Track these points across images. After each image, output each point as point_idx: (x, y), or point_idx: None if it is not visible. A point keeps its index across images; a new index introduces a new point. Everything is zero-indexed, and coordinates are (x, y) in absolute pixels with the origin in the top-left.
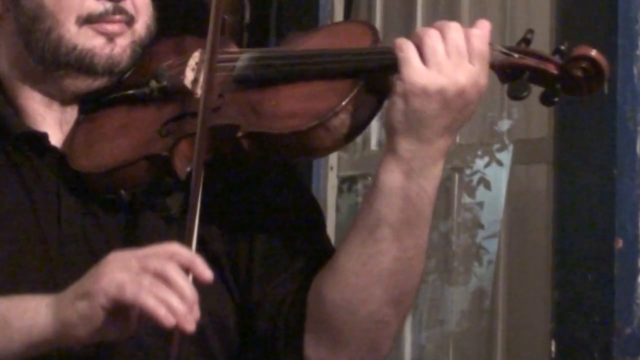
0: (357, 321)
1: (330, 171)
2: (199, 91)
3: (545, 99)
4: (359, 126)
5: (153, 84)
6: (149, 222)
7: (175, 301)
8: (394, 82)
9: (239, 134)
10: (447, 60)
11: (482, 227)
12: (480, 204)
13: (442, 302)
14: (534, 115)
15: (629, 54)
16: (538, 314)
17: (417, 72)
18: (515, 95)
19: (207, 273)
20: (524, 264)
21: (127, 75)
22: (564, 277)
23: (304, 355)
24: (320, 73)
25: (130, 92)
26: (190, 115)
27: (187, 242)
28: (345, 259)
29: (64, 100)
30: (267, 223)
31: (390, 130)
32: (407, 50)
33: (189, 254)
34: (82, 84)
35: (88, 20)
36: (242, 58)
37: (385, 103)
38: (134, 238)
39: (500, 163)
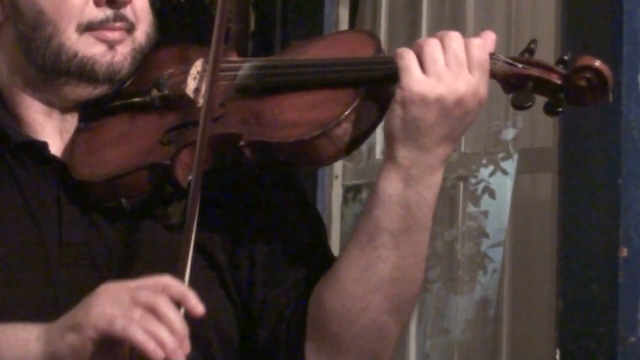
0: (357, 329)
1: (335, 180)
2: (200, 100)
3: (549, 109)
4: (361, 135)
5: (154, 92)
6: (150, 231)
7: (164, 335)
8: (395, 92)
9: (241, 143)
10: (446, 69)
11: (486, 236)
12: (485, 213)
13: (446, 311)
14: (539, 124)
15: (633, 63)
16: (542, 323)
17: (416, 80)
18: (519, 105)
19: (198, 307)
20: (528, 272)
21: (128, 83)
22: (569, 286)
23: None
24: (322, 82)
25: (132, 100)
26: (192, 124)
27: (179, 273)
28: (345, 266)
29: (64, 108)
30: (268, 231)
31: (389, 138)
32: (407, 58)
33: (180, 287)
34: (83, 91)
35: (89, 27)
36: (244, 67)
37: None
38: (135, 247)
39: (505, 172)
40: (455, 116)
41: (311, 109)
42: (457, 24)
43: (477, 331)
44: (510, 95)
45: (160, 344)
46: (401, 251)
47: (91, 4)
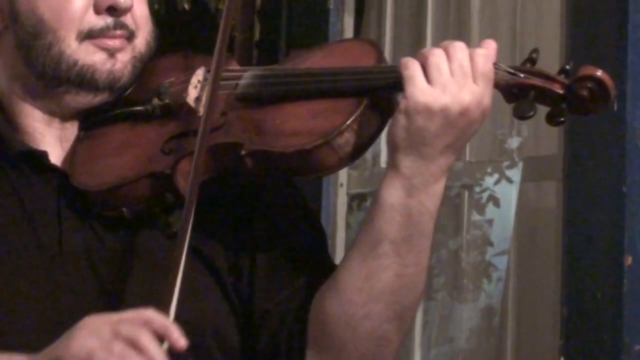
0: (358, 337)
1: (340, 188)
2: (201, 109)
3: (551, 119)
4: (363, 145)
5: (155, 101)
6: (151, 240)
7: None
8: (398, 101)
9: (242, 152)
10: (451, 79)
11: (491, 244)
12: (490, 222)
13: (451, 319)
14: (544, 133)
15: (638, 71)
16: (547, 331)
17: (421, 90)
18: (521, 115)
19: (181, 341)
20: (533, 281)
21: (128, 91)
22: (573, 294)
23: None
24: (324, 91)
25: (132, 109)
26: (193, 133)
27: (165, 304)
28: (346, 274)
29: (64, 116)
30: (269, 239)
31: (392, 147)
32: (412, 68)
33: (163, 320)
34: (83, 100)
35: (89, 35)
36: (246, 76)
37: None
38: (135, 255)
39: (509, 180)
40: (459, 126)
41: (313, 118)
42: (462, 34)
43: (482, 340)
44: (512, 105)
45: None
46: (403, 260)
47: (91, 11)
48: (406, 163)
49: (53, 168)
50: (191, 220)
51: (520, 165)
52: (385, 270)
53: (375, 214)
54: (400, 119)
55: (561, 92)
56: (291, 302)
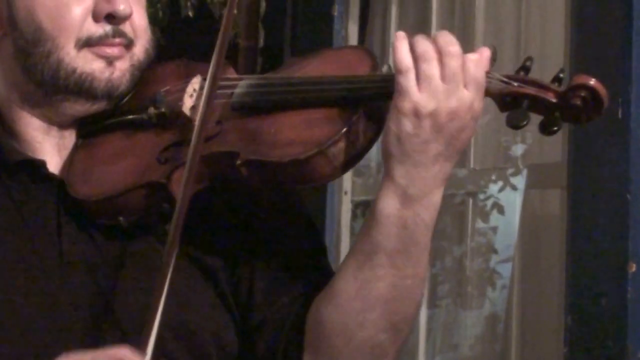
0: (353, 345)
1: (345, 196)
2: (197, 118)
3: (544, 128)
4: (358, 153)
5: (151, 110)
6: (149, 249)
7: None
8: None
9: (238, 161)
10: (441, 85)
11: (495, 251)
12: (494, 229)
13: (455, 327)
14: (548, 140)
15: None
16: (551, 338)
17: (410, 95)
18: (515, 124)
19: None
20: (537, 288)
21: (126, 99)
22: (577, 302)
23: None
24: (318, 100)
25: (129, 117)
26: (189, 142)
27: (143, 341)
28: (342, 282)
29: (62, 124)
30: (267, 246)
31: (386, 156)
32: (404, 76)
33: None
34: (81, 108)
35: (87, 43)
36: (241, 85)
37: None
38: (134, 265)
39: (514, 188)
40: (450, 132)
41: (307, 128)
42: (467, 40)
43: (486, 347)
44: (505, 114)
45: None
46: (398, 271)
47: (90, 19)
48: (400, 172)
49: (51, 177)
50: (179, 235)
51: (525, 172)
52: (381, 280)
53: (371, 224)
54: (392, 126)
55: (554, 100)
56: (289, 309)
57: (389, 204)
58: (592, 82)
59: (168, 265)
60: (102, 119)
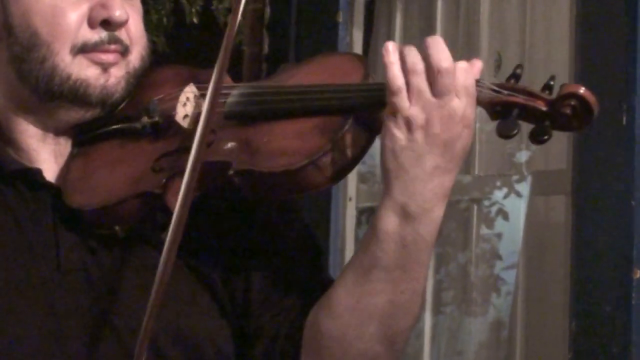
0: (350, 356)
1: (349, 202)
2: (190, 126)
3: (534, 137)
4: (350, 163)
5: (145, 119)
6: (145, 257)
7: None
8: (383, 119)
9: (230, 171)
10: (432, 98)
11: (500, 258)
12: (499, 235)
13: (460, 333)
14: (553, 147)
15: None
16: (556, 345)
17: (402, 111)
18: (505, 134)
19: None
20: (542, 295)
21: (121, 106)
22: (582, 308)
23: None
24: (310, 110)
25: (123, 126)
26: (184, 151)
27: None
28: (340, 294)
29: (58, 131)
30: (264, 254)
31: (384, 173)
32: (395, 90)
33: None
34: (76, 114)
35: (83, 49)
36: (233, 94)
37: (377, 139)
38: (132, 273)
39: (518, 194)
40: (444, 142)
41: (299, 137)
42: (471, 47)
43: (491, 353)
44: (496, 123)
45: None
46: (396, 286)
47: (85, 25)
48: (398, 188)
49: (48, 185)
50: (176, 244)
51: (529, 179)
52: (379, 294)
53: (370, 239)
54: (386, 142)
55: (544, 109)
56: (286, 317)
57: (388, 221)
58: (582, 90)
59: (165, 274)
60: (98, 127)
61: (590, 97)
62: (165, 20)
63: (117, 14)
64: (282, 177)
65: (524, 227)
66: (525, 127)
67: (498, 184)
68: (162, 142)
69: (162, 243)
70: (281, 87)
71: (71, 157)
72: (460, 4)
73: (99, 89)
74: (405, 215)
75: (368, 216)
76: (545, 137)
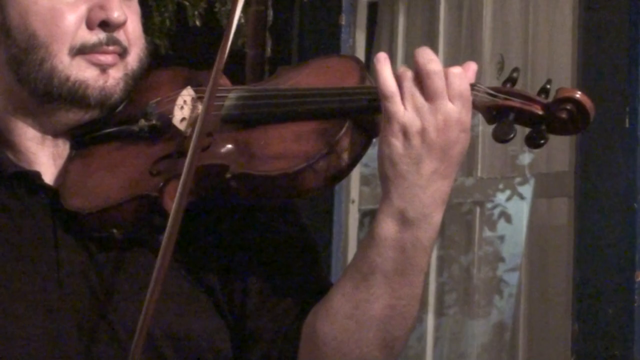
0: None
1: (352, 205)
2: (187, 129)
3: (531, 141)
4: (347, 166)
5: (142, 122)
6: (142, 260)
7: None
8: (380, 122)
9: (227, 175)
10: (425, 103)
11: (503, 260)
12: (501, 238)
13: (463, 335)
14: (555, 149)
15: None
16: (559, 347)
17: (397, 117)
18: (501, 137)
19: None
20: (544, 297)
21: (120, 108)
22: (585, 310)
23: None
24: (307, 113)
25: (121, 129)
26: (181, 154)
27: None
28: (338, 299)
29: (56, 133)
30: (262, 256)
31: (382, 179)
32: (390, 98)
33: None
34: (75, 116)
35: (81, 50)
36: (230, 97)
37: (374, 141)
38: (129, 274)
39: (521, 196)
40: (440, 148)
41: (296, 141)
42: (474, 50)
43: (493, 356)
44: (492, 127)
45: None
46: (395, 292)
47: (84, 26)
48: (397, 194)
49: (47, 187)
50: (172, 247)
51: (532, 181)
52: (377, 300)
53: (369, 245)
54: (383, 149)
55: (540, 112)
56: (283, 320)
57: (387, 227)
58: (578, 94)
59: (160, 274)
60: (97, 129)
61: (587, 102)
62: (168, 22)
63: (116, 15)
64: (279, 180)
65: (527, 230)
66: (523, 131)
67: (501, 186)
68: (159, 145)
69: (160, 245)
70: (278, 90)
71: (69, 160)
72: (463, 7)
73: (98, 90)
74: (404, 221)
75: (371, 219)
76: (542, 141)
